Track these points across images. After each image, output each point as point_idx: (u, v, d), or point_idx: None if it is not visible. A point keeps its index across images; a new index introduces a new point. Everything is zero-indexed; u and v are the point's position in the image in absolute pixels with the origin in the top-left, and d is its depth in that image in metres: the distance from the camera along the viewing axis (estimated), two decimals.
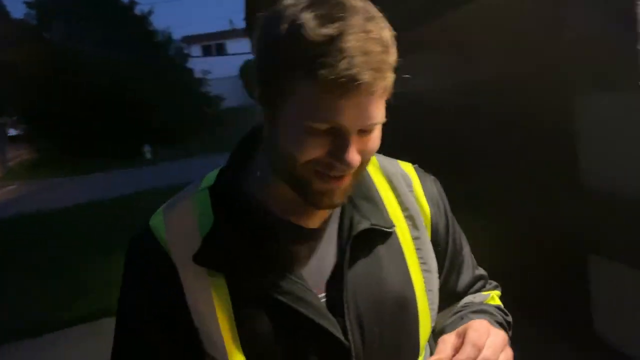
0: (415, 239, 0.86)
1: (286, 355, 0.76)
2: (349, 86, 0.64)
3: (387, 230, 0.82)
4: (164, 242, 0.77)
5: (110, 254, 6.62)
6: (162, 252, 0.77)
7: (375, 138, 0.72)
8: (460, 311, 0.92)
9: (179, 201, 0.82)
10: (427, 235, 0.88)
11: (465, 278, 0.95)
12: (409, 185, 0.89)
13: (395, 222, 0.83)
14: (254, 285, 0.75)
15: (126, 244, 0.79)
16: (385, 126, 0.73)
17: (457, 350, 0.72)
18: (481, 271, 0.99)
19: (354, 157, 0.69)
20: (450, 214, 0.93)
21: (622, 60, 0.85)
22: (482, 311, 0.90)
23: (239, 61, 28.04)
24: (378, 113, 0.69)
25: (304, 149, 0.69)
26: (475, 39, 2.73)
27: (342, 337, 0.77)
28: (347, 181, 0.73)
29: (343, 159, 0.69)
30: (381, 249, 0.82)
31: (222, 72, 27.70)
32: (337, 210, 0.82)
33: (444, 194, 0.93)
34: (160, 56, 22.79)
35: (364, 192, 0.81)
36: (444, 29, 3.03)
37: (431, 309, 0.86)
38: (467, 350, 0.70)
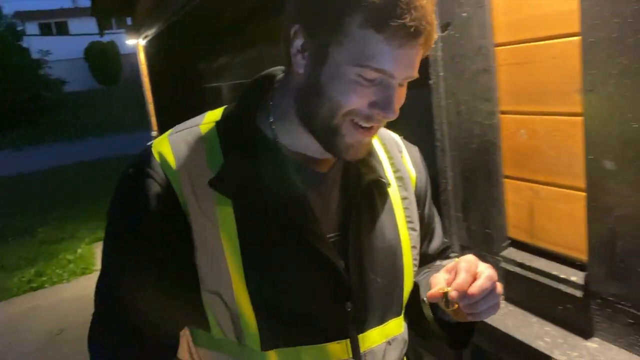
0: (404, 198, 0.90)
1: (289, 286, 0.77)
2: (412, 37, 0.66)
3: (386, 185, 0.86)
4: (170, 169, 0.75)
5: None
6: (167, 180, 0.75)
7: (405, 92, 0.75)
8: (430, 270, 0.96)
9: (184, 131, 0.81)
10: (414, 197, 0.92)
11: (435, 243, 1.00)
12: (400, 150, 0.94)
13: (388, 180, 0.87)
14: (263, 216, 0.76)
15: None
16: None
17: (450, 283, 0.76)
18: (447, 240, 1.06)
19: (397, 108, 0.72)
20: (429, 182, 0.98)
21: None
22: None
23: (83, 42, 25.88)
24: (418, 67, 0.73)
25: (350, 97, 0.70)
26: None
27: (346, 276, 0.79)
28: (374, 134, 0.76)
29: (388, 109, 0.71)
30: (378, 202, 0.85)
31: (64, 53, 25.35)
32: (341, 161, 0.84)
33: (424, 163, 0.99)
34: None
35: (369, 149, 0.82)
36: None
37: (414, 264, 0.90)
38: (462, 276, 0.74)
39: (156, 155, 0.77)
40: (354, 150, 0.75)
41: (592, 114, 1.11)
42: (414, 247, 0.90)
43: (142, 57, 6.44)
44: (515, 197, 1.39)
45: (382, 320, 0.85)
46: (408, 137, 1.01)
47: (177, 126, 0.83)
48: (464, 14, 1.39)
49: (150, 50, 6.08)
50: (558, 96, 1.21)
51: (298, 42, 0.73)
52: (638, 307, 1.10)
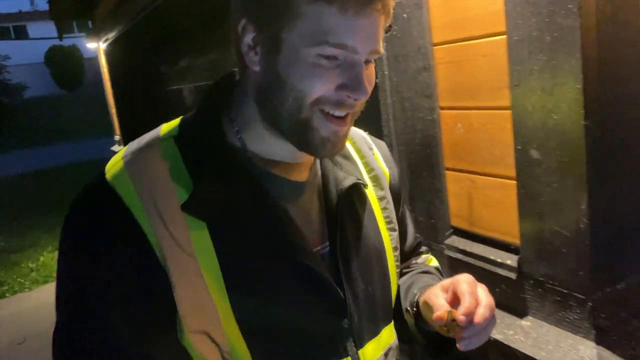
0: (381, 199, 0.86)
1: (283, 311, 0.70)
2: (366, 3, 0.62)
3: (365, 187, 0.82)
4: (131, 199, 0.65)
5: None
6: (129, 214, 0.65)
7: (374, 72, 0.71)
8: (408, 272, 0.95)
9: (140, 151, 0.70)
10: (390, 195, 0.88)
11: (409, 240, 0.97)
12: (370, 148, 0.90)
13: (365, 182, 0.83)
14: (243, 238, 0.68)
15: None
16: None
17: (450, 303, 0.72)
18: (418, 235, 1.04)
19: (366, 84, 0.66)
20: (400, 177, 0.96)
21: None
22: (427, 272, 0.94)
23: (44, 46, 25.27)
24: (382, 41, 0.68)
25: (314, 83, 0.64)
26: None
27: (340, 290, 0.73)
28: (348, 123, 0.70)
29: (358, 89, 0.65)
30: (359, 207, 0.81)
31: (23, 58, 24.70)
32: (317, 167, 0.79)
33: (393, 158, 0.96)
34: None
35: (342, 151, 0.77)
36: None
37: (397, 266, 0.87)
38: (468, 300, 0.70)
39: (113, 184, 0.66)
40: (330, 144, 0.69)
41: (519, 107, 1.19)
42: (395, 248, 0.87)
43: (103, 61, 6.37)
44: (456, 187, 1.47)
45: (376, 331, 0.81)
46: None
47: (129, 145, 0.73)
48: (405, 15, 1.46)
49: (111, 53, 6.02)
50: (490, 91, 1.30)
51: (248, 38, 0.67)
52: (564, 286, 1.19)
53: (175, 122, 0.75)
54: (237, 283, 0.67)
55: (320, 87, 0.65)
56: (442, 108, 1.45)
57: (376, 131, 1.63)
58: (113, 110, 6.45)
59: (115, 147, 6.50)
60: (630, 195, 1.15)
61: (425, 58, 1.43)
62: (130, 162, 0.69)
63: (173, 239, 0.65)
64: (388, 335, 0.84)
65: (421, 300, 0.81)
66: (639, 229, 1.18)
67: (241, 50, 0.68)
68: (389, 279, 0.84)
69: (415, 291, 0.86)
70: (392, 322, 0.86)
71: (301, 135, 0.68)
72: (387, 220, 0.86)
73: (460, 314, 0.69)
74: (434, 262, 1.02)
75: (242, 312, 0.67)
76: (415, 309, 0.84)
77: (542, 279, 1.24)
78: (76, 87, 25.81)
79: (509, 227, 1.32)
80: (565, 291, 1.19)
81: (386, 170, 0.90)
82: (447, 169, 1.48)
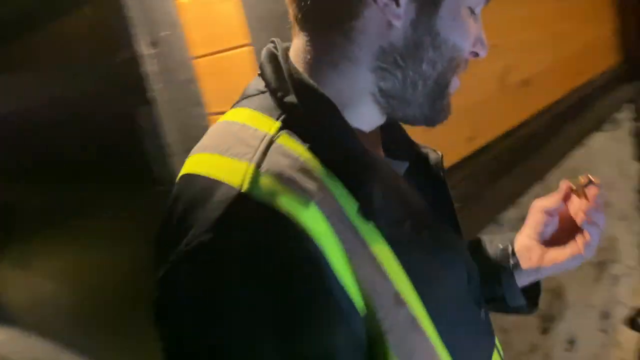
0: None
1: (457, 309, 0.63)
2: None
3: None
4: (328, 240, 0.49)
5: None
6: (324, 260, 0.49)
7: None
8: None
9: (281, 160, 0.52)
10: None
11: None
12: None
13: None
14: (414, 243, 0.58)
15: None
16: None
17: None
18: None
19: None
20: None
21: None
22: None
23: None
24: None
25: (469, 39, 0.58)
26: (63, 58, 2.90)
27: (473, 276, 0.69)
28: None
29: (485, 45, 0.61)
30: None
31: None
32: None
33: None
34: None
35: None
36: (37, 47, 3.08)
37: None
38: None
39: (308, 233, 0.48)
40: (449, 108, 0.62)
41: None
42: None
43: None
44: None
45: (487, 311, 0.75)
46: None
47: (274, 170, 0.52)
48: (164, 34, 1.58)
49: None
50: None
51: None
52: None
53: (245, 112, 0.63)
54: (424, 292, 0.56)
55: (470, 44, 0.59)
56: (211, 114, 1.59)
57: (155, 141, 1.72)
58: None
59: None
60: None
61: (188, 71, 1.56)
62: (290, 181, 0.50)
63: (372, 264, 0.52)
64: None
65: (523, 238, 0.81)
66: None
67: (360, 3, 0.55)
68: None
69: (498, 245, 0.83)
70: None
71: (433, 104, 0.60)
72: None
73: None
74: None
75: (439, 324, 0.57)
76: (510, 262, 0.80)
77: None
78: None
79: None
80: None
81: None
82: None
